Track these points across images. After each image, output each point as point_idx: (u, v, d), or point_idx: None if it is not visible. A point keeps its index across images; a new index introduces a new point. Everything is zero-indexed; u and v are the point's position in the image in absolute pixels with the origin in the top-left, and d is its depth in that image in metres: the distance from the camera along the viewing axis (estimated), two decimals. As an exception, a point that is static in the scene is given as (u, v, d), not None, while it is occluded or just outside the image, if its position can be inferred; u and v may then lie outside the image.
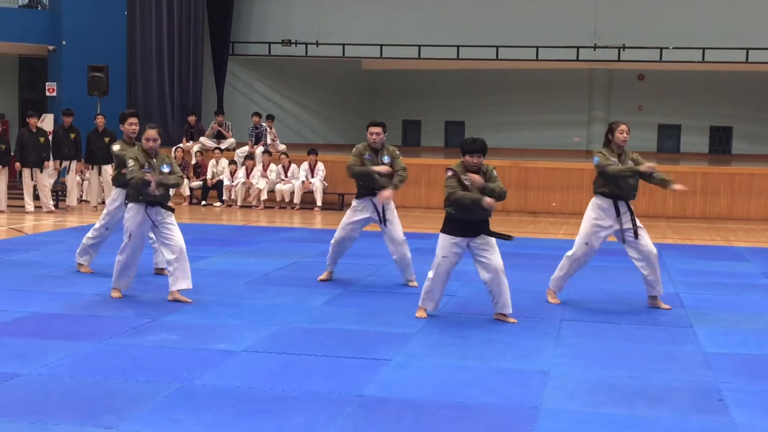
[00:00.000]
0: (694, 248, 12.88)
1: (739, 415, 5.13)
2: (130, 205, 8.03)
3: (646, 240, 8.06)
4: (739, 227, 15.86)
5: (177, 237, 7.93)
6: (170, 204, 8.17)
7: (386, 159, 8.81)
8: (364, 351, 6.38)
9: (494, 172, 7.40)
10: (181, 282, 7.91)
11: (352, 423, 4.88)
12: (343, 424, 4.85)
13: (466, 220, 7.29)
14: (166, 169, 7.97)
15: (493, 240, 7.39)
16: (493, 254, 7.36)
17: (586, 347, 6.68)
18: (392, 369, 5.94)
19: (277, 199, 17.80)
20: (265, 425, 4.79)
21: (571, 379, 5.80)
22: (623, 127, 8.16)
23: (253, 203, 17.85)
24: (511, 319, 7.49)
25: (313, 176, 17.74)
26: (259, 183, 17.78)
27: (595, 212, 8.13)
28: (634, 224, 8.01)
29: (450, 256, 7.38)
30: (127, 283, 8.22)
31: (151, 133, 7.98)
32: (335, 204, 17.89)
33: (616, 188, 8.02)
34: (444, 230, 7.43)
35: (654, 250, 8.08)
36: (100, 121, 16.62)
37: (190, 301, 7.91)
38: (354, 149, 8.94)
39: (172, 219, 8.01)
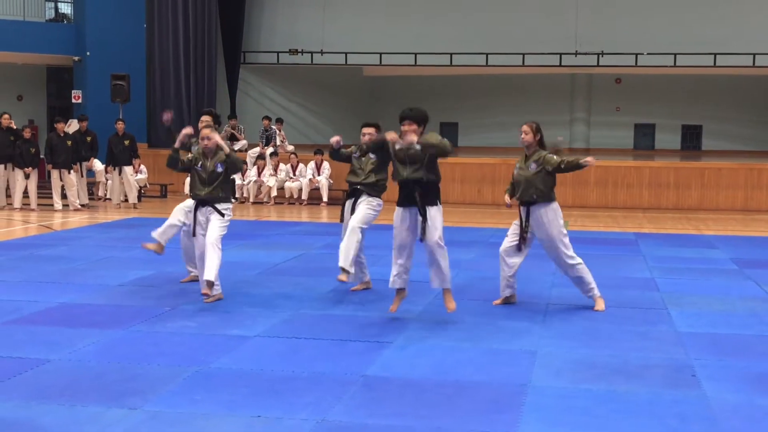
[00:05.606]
0: (668, 237, 12.87)
1: (709, 388, 5.14)
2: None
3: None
4: (709, 217, 15.85)
5: (210, 232, 7.46)
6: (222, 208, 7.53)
7: None
8: (367, 335, 6.37)
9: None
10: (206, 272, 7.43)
11: (357, 401, 4.87)
12: (349, 402, 4.84)
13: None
14: (219, 169, 7.46)
15: (433, 212, 6.59)
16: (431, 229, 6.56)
17: (570, 329, 6.67)
18: (393, 351, 5.93)
19: (286, 196, 17.79)
20: (277, 404, 4.78)
21: (557, 358, 5.79)
22: None
23: (264, 200, 17.84)
24: (450, 305, 6.74)
25: (319, 174, 17.72)
26: (270, 181, 17.78)
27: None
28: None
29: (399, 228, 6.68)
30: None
31: (205, 131, 7.52)
32: (340, 199, 17.79)
33: None
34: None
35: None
36: (120, 126, 16.62)
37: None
38: None
39: (216, 217, 7.48)
